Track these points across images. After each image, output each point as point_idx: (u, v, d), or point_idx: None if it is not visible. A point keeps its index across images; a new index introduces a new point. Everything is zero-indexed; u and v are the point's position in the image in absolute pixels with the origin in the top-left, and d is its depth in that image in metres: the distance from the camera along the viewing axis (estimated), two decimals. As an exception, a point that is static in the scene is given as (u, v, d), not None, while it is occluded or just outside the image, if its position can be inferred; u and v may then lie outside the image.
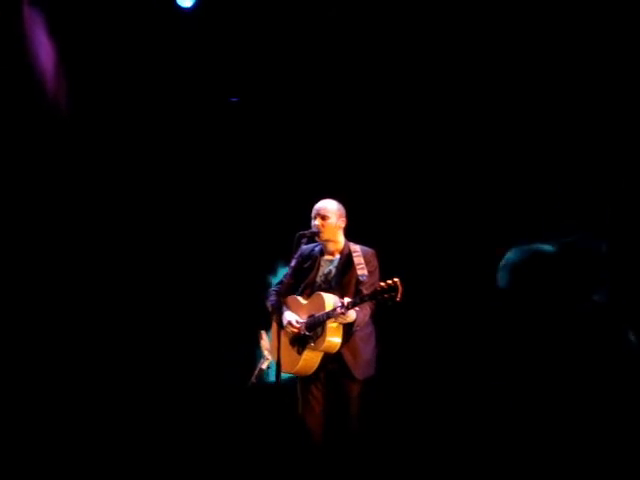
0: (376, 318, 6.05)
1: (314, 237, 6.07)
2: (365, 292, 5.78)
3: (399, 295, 5.53)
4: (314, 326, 5.93)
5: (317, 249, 6.17)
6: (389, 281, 5.58)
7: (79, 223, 7.61)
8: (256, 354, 6.55)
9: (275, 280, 6.52)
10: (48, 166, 7.47)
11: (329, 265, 6.11)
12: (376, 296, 5.62)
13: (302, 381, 6.06)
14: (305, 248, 6.12)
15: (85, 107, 7.62)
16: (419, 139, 7.34)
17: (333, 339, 5.87)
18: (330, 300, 5.89)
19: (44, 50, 7.44)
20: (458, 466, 6.53)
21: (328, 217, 6.04)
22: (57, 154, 7.52)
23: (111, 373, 7.49)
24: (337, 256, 6.10)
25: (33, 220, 7.34)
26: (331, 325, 5.85)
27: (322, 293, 5.97)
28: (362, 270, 5.83)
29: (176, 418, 7.34)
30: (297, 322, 5.98)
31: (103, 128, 7.69)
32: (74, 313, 7.48)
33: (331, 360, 5.94)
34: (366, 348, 5.99)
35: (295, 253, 5.97)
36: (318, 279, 6.10)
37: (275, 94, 7.77)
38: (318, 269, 6.11)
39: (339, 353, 5.90)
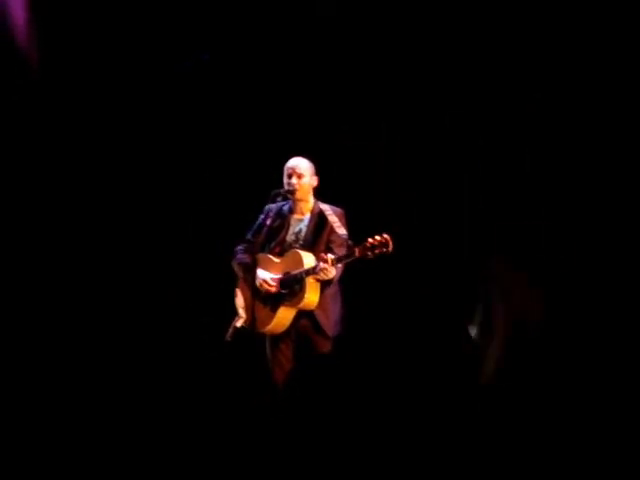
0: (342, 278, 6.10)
1: (287, 195, 6.07)
2: (337, 251, 5.84)
3: (390, 250, 5.60)
4: (290, 283, 5.94)
5: (286, 207, 6.16)
6: (378, 237, 5.62)
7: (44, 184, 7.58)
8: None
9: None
10: (17, 121, 7.44)
11: (299, 224, 6.12)
12: (366, 252, 5.65)
13: (271, 340, 6.08)
14: (273, 207, 6.12)
15: (57, 61, 7.44)
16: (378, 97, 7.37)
17: (312, 296, 5.89)
18: (308, 257, 5.91)
19: (16, 4, 7.38)
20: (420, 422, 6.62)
21: (303, 175, 6.06)
22: (27, 108, 7.47)
23: (86, 334, 7.55)
24: (307, 215, 6.11)
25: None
26: (311, 282, 5.86)
27: (299, 250, 5.98)
28: (340, 229, 5.86)
29: (151, 377, 7.36)
30: (272, 280, 5.98)
31: (74, 84, 7.53)
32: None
33: (303, 318, 5.99)
34: (335, 306, 6.06)
35: (262, 211, 6.05)
36: (288, 238, 6.10)
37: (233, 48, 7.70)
38: (288, 228, 6.11)
39: (311, 311, 5.95)
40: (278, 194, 6.02)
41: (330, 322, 6.01)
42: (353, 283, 6.30)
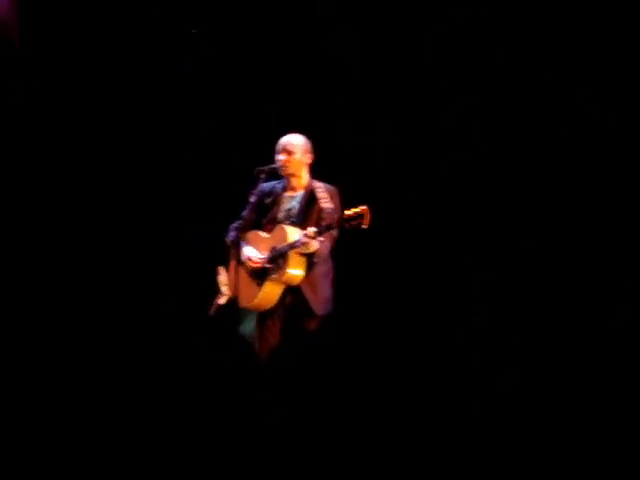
0: (335, 256, 6.11)
1: (274, 172, 6.07)
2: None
3: (367, 222, 5.56)
4: (275, 258, 5.94)
5: (279, 185, 6.17)
6: (355, 209, 5.61)
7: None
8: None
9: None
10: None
11: (291, 201, 6.12)
12: (343, 224, 5.64)
13: (259, 316, 6.06)
14: (266, 185, 6.12)
15: (37, 37, 7.58)
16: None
17: (295, 271, 5.89)
18: (293, 232, 5.91)
19: None
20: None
21: (294, 152, 6.05)
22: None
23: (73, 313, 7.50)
24: (300, 192, 6.11)
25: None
26: (294, 256, 5.86)
27: (284, 226, 5.99)
28: (327, 203, 5.85)
29: (134, 353, 7.33)
30: (257, 257, 6.00)
31: (55, 60, 7.66)
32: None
33: (291, 295, 5.97)
34: (325, 284, 6.03)
35: (254, 189, 6.01)
36: (280, 215, 6.10)
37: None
38: (280, 205, 6.12)
39: (299, 288, 5.93)
40: (261, 171, 6.02)
41: (318, 299, 5.98)
42: (350, 265, 6.35)
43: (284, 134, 6.29)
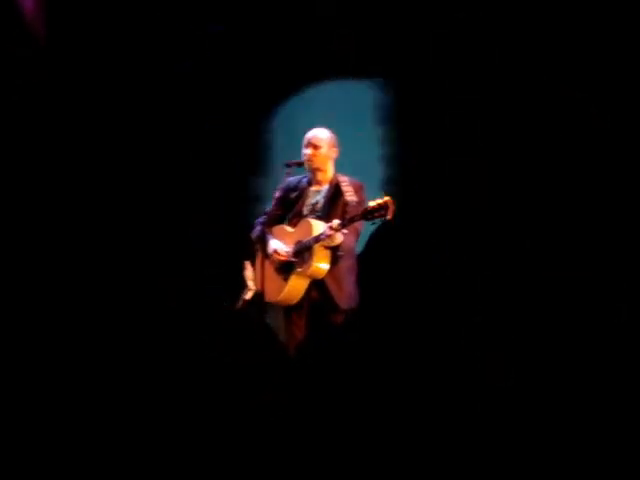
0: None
1: (301, 166, 6.08)
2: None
3: (390, 213, 5.56)
4: (301, 251, 5.95)
5: (304, 180, 6.18)
6: (379, 200, 5.62)
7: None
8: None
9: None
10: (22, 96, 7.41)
11: (317, 195, 6.12)
12: (366, 215, 5.65)
13: (284, 310, 6.07)
14: (292, 179, 6.15)
15: (63, 34, 7.51)
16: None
17: (320, 264, 5.89)
18: (318, 225, 5.92)
19: None
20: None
21: (320, 147, 6.05)
22: (33, 82, 7.45)
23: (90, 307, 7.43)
24: (325, 186, 6.11)
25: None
26: (319, 249, 5.87)
27: (309, 219, 6.00)
28: (351, 196, 5.84)
29: (160, 346, 7.26)
30: (283, 249, 6.00)
31: (81, 58, 7.60)
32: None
33: (316, 289, 5.97)
34: (350, 278, 6.03)
35: (281, 183, 6.02)
36: (305, 209, 6.11)
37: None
38: (305, 199, 6.13)
39: (323, 283, 5.93)
40: (288, 165, 6.03)
41: (343, 293, 5.97)
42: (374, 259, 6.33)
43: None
